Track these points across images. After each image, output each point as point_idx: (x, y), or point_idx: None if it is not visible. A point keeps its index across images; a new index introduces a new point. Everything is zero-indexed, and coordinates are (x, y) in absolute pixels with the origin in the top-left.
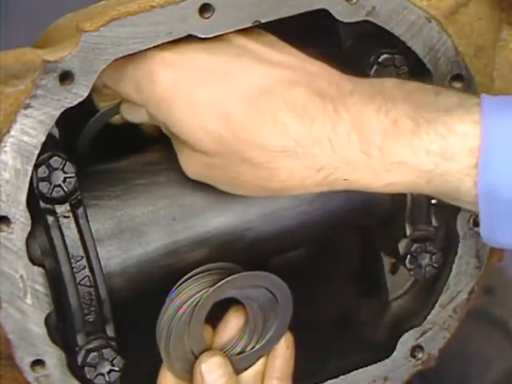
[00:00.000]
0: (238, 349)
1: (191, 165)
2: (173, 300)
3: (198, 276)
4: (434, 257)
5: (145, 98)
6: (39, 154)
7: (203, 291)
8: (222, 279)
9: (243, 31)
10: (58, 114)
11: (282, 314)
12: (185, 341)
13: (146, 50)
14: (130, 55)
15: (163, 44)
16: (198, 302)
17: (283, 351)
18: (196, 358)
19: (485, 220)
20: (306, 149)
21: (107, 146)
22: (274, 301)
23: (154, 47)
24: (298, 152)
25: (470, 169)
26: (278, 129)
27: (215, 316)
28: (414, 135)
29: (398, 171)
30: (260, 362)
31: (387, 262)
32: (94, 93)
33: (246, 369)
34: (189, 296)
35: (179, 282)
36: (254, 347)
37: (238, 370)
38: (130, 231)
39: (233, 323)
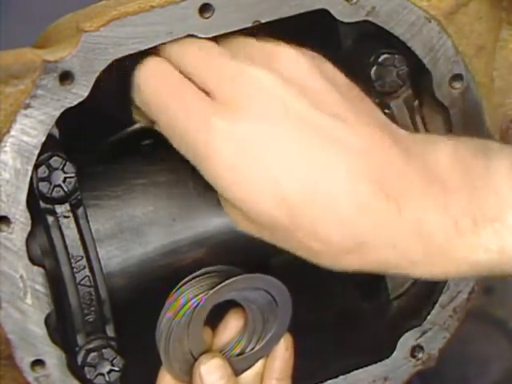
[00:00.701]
0: (238, 350)
1: (243, 225)
2: (172, 302)
3: (197, 279)
4: None
5: (197, 161)
6: (39, 154)
7: (203, 294)
8: (222, 282)
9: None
10: (58, 114)
11: (282, 316)
12: (184, 343)
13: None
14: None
15: (217, 108)
16: (198, 304)
17: (282, 352)
18: (195, 359)
19: None
20: (368, 245)
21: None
22: (274, 303)
23: (205, 108)
24: (361, 248)
25: None
26: (339, 224)
27: (214, 317)
28: (474, 234)
29: (455, 264)
30: (259, 363)
31: None
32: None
33: (245, 370)
34: (188, 299)
35: (179, 285)
36: (253, 348)
37: (237, 371)
38: (129, 231)
39: (232, 325)
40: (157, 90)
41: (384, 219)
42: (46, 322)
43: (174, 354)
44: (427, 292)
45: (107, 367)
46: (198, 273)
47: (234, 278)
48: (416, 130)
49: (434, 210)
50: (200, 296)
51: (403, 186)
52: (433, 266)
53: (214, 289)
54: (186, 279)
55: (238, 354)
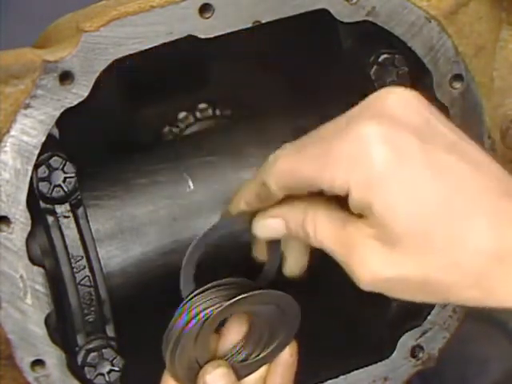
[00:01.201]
0: (242, 356)
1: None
2: (183, 313)
3: (209, 291)
4: None
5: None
6: (39, 154)
7: (214, 307)
8: (233, 294)
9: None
10: (57, 114)
11: (289, 328)
12: (191, 352)
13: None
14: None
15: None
16: (208, 317)
17: (286, 359)
18: (200, 367)
19: None
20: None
21: None
22: (282, 314)
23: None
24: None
25: None
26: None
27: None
28: None
29: None
30: (262, 368)
31: None
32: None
33: (248, 375)
34: (199, 311)
35: (190, 296)
36: (258, 355)
37: (240, 376)
38: (129, 231)
39: (236, 329)
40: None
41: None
42: (46, 322)
43: (180, 361)
44: None
45: (107, 367)
46: (209, 285)
47: (247, 294)
48: None
49: None
50: (211, 309)
51: None
52: None
53: (226, 303)
54: (198, 291)
55: (243, 360)
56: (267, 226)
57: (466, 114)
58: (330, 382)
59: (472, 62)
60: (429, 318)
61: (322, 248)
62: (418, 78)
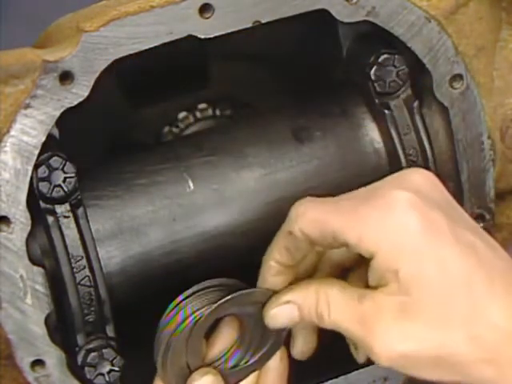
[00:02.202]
0: (233, 361)
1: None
2: (172, 317)
3: (197, 294)
4: None
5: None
6: (39, 154)
7: (203, 309)
8: (223, 296)
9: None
10: (58, 114)
11: (279, 333)
12: (182, 357)
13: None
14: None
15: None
16: (199, 319)
17: (277, 364)
18: (191, 372)
19: None
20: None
21: None
22: None
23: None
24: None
25: None
26: None
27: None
28: None
29: None
30: (253, 374)
31: None
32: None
33: (239, 381)
34: (188, 314)
35: (178, 300)
36: (248, 361)
37: (230, 383)
38: (129, 231)
39: (226, 334)
40: None
41: None
42: (46, 321)
43: (171, 367)
44: None
45: (107, 367)
46: (197, 288)
47: (235, 294)
48: (416, 129)
49: None
50: (200, 311)
51: None
52: None
53: (215, 305)
54: (186, 294)
55: (233, 366)
56: (280, 315)
57: (466, 114)
58: (329, 382)
59: (472, 62)
60: None
61: (336, 329)
62: (417, 78)
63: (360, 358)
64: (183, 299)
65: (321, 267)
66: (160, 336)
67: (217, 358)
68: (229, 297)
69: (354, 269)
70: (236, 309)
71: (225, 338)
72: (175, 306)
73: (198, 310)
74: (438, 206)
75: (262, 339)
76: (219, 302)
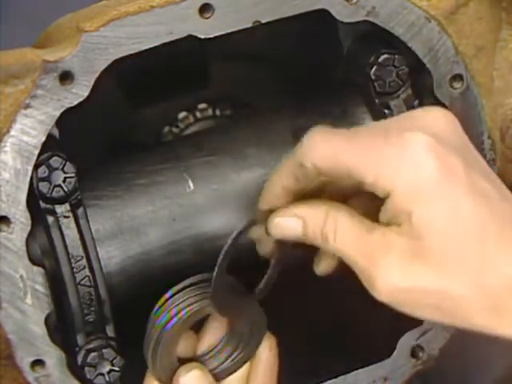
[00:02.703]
0: (223, 355)
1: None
2: (163, 312)
3: (188, 289)
4: None
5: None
6: (39, 154)
7: (194, 305)
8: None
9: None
10: (58, 114)
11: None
12: (172, 352)
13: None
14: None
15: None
16: (189, 316)
17: (266, 354)
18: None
19: None
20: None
21: None
22: (262, 312)
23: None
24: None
25: None
26: None
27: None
28: None
29: None
30: (244, 367)
31: None
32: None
33: (229, 375)
34: (179, 309)
35: (168, 296)
36: (239, 355)
37: (221, 377)
38: (129, 231)
39: (216, 328)
40: None
41: None
42: (46, 321)
43: (161, 362)
44: None
45: (107, 367)
46: (188, 282)
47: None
48: None
49: None
50: (191, 307)
51: None
52: None
53: (206, 301)
54: (177, 288)
55: (224, 360)
56: (283, 225)
57: (466, 114)
58: (329, 382)
59: (472, 62)
60: None
61: (339, 255)
62: (418, 78)
63: (319, 269)
64: (173, 294)
65: (323, 190)
66: (150, 331)
67: (206, 353)
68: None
69: (353, 197)
70: None
71: (214, 333)
72: (165, 301)
73: (188, 305)
74: (455, 149)
75: (251, 334)
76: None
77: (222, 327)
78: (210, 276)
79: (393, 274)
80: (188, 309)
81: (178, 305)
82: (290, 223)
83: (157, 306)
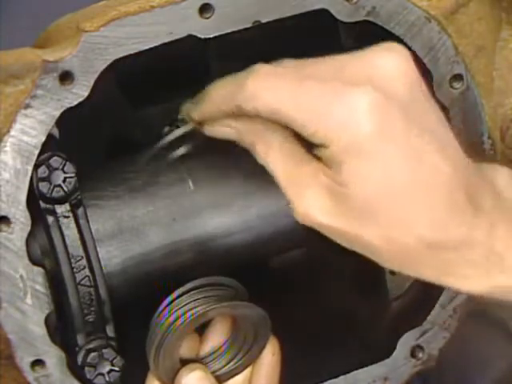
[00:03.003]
0: (227, 357)
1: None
2: (165, 314)
3: (194, 291)
4: None
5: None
6: (39, 154)
7: (197, 309)
8: (219, 295)
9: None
10: (58, 114)
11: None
12: (175, 353)
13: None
14: None
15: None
16: (194, 319)
17: (269, 358)
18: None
19: None
20: (448, 244)
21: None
22: (267, 317)
23: None
24: (440, 246)
25: None
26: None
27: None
28: None
29: (510, 274)
30: (246, 370)
31: None
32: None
33: (232, 377)
34: (184, 311)
35: (174, 297)
36: (242, 357)
37: (224, 379)
38: (129, 231)
39: (220, 330)
40: None
41: (467, 222)
42: (46, 321)
43: (163, 363)
44: (427, 292)
45: (107, 367)
46: (194, 285)
47: (235, 303)
48: None
49: (501, 222)
50: (194, 310)
51: (482, 198)
52: (489, 275)
53: (212, 307)
54: (182, 290)
55: (227, 362)
56: (217, 131)
57: (466, 114)
58: (329, 382)
59: (472, 62)
60: (429, 318)
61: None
62: None
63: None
64: (178, 296)
65: None
66: (153, 332)
67: (209, 355)
68: (225, 303)
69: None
70: (232, 311)
71: (218, 336)
72: (169, 304)
73: (192, 308)
74: (400, 105)
75: (255, 338)
76: (216, 306)
77: (226, 330)
78: (215, 280)
79: (315, 208)
80: (192, 312)
81: (181, 307)
82: (226, 132)
83: (161, 307)
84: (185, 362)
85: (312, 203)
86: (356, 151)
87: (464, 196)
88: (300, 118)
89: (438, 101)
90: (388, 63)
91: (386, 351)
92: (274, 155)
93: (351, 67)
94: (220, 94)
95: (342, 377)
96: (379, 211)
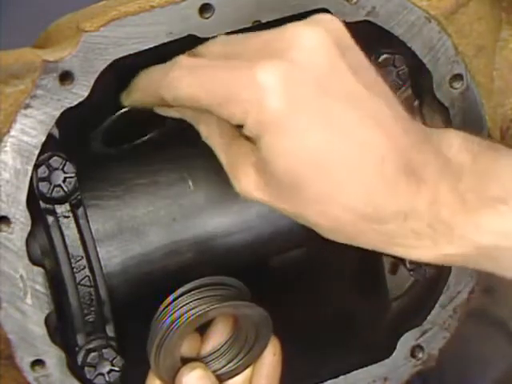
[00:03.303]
0: (228, 357)
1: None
2: (168, 314)
3: (196, 291)
4: None
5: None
6: (39, 154)
7: (198, 308)
8: (221, 295)
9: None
10: (58, 114)
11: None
12: (175, 352)
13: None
14: None
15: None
16: (194, 318)
17: (270, 358)
18: None
19: None
20: (385, 213)
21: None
22: (269, 317)
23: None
24: (377, 215)
25: None
26: (364, 191)
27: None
28: (478, 212)
29: (459, 244)
30: (247, 369)
31: (387, 261)
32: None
33: (233, 376)
34: (185, 311)
35: (176, 295)
36: (243, 357)
37: (224, 378)
38: (129, 231)
39: (221, 331)
40: None
41: (403, 192)
42: (46, 321)
43: (164, 362)
44: (427, 292)
45: (107, 367)
46: (195, 284)
47: (237, 303)
48: None
49: (446, 188)
50: (195, 310)
51: (422, 166)
52: (436, 245)
53: (213, 307)
54: (184, 290)
55: (228, 362)
56: (165, 110)
57: (466, 114)
58: (329, 382)
59: (472, 62)
60: (429, 318)
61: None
62: (418, 77)
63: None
64: (179, 296)
65: None
66: (154, 332)
67: (210, 354)
68: (227, 303)
69: None
70: (233, 311)
71: (219, 335)
72: (170, 303)
73: (193, 308)
74: (315, 74)
75: (257, 338)
76: (217, 306)
77: (227, 330)
78: (218, 279)
79: (250, 183)
80: (193, 311)
81: (182, 307)
82: (169, 110)
83: (162, 307)
84: (185, 361)
85: (247, 182)
86: (267, 127)
87: (400, 165)
88: (214, 103)
89: (437, 101)
90: (305, 35)
91: (385, 351)
92: (215, 135)
93: (272, 42)
94: (145, 83)
95: (341, 377)
96: (305, 185)
